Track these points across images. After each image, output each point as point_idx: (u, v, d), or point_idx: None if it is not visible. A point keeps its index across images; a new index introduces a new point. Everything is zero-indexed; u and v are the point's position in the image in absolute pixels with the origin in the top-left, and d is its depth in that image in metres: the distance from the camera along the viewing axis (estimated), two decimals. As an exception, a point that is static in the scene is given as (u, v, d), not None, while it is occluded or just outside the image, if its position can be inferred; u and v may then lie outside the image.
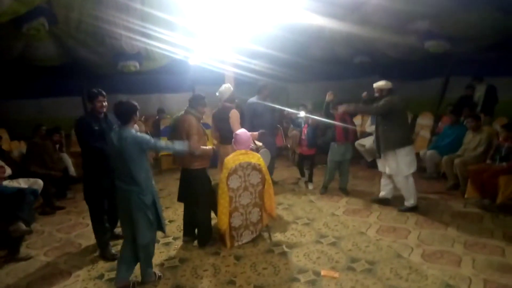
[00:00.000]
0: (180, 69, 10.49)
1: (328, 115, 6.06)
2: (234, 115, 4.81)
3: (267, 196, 4.31)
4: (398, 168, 5.00)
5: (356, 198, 5.78)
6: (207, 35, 8.30)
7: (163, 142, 3.81)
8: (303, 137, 6.42)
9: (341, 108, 5.34)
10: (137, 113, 3.46)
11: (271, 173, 6.54)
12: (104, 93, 4.16)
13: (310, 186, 6.42)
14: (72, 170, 6.73)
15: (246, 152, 4.22)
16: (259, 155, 4.26)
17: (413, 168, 5.03)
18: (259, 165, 4.17)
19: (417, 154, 6.07)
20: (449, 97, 9.52)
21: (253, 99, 6.40)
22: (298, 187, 6.54)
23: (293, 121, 8.10)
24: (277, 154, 7.88)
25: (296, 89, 11.89)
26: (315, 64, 10.43)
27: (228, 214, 4.14)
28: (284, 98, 11.53)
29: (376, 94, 5.13)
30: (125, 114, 3.38)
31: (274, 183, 6.53)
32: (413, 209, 5.03)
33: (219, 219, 4.13)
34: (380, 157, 5.22)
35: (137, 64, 9.21)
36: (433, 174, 6.52)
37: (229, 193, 4.11)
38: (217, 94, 4.93)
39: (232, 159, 4.14)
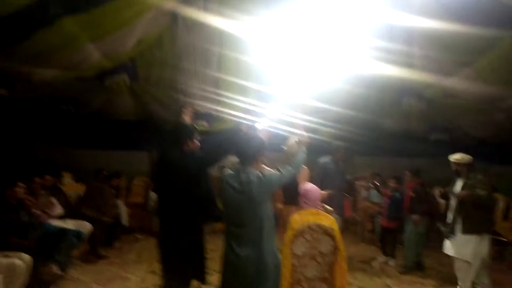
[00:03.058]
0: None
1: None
2: (304, 171, 3.99)
3: (339, 271, 3.28)
4: None
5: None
6: (279, 95, 7.81)
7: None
8: (384, 205, 5.41)
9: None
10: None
11: None
12: None
13: (391, 262, 5.33)
14: (125, 219, 6.09)
15: (318, 212, 3.30)
16: (333, 219, 3.32)
17: None
18: (333, 229, 3.22)
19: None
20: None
21: (326, 159, 5.60)
22: (371, 267, 5.34)
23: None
24: (343, 227, 6.83)
25: (361, 162, 10.84)
26: (386, 137, 9.52)
27: (288, 286, 3.16)
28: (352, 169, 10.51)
29: (454, 169, 4.38)
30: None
31: None
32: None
33: (278, 289, 3.14)
34: None
35: (206, 125, 8.88)
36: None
37: (292, 260, 3.16)
38: (284, 148, 4.18)
39: (301, 218, 3.23)
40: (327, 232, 3.17)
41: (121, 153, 10.38)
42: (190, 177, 3.00)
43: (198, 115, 8.57)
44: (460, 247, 4.21)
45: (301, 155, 3.04)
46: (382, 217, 5.43)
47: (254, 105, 8.24)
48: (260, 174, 2.54)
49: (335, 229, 3.21)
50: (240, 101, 8.56)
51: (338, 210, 4.99)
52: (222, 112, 8.93)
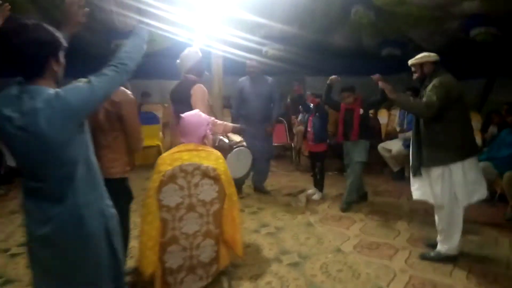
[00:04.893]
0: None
1: (329, 101, 4.20)
2: (199, 92, 2.96)
3: (228, 221, 2.43)
4: (450, 194, 2.82)
5: (375, 224, 3.73)
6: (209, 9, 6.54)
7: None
8: (309, 129, 4.52)
9: (382, 85, 3.18)
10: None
11: (261, 180, 4.65)
12: None
13: (317, 196, 4.47)
14: (10, 159, 4.98)
15: (196, 148, 2.36)
16: (219, 156, 2.39)
17: (478, 194, 2.84)
18: (215, 170, 2.31)
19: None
20: (495, 100, 7.33)
21: (243, 78, 4.61)
22: (296, 201, 4.44)
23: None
24: (277, 155, 6.02)
25: (314, 83, 9.88)
26: (337, 56, 8.55)
27: (160, 249, 2.30)
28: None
29: (415, 75, 3.03)
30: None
31: (266, 193, 4.64)
32: (450, 259, 2.87)
33: (142, 257, 2.21)
34: (417, 174, 3.00)
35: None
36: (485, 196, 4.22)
37: (162, 214, 2.26)
38: (177, 61, 3.13)
39: (170, 158, 2.28)
40: (207, 174, 2.25)
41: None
42: None
43: (121, 34, 7.28)
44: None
45: (132, 43, 1.73)
46: (308, 140, 4.53)
47: (185, 18, 7.03)
48: (52, 94, 1.48)
49: (219, 168, 2.29)
50: (167, 12, 7.26)
51: (255, 140, 4.08)
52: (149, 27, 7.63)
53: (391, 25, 6.75)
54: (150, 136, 6.07)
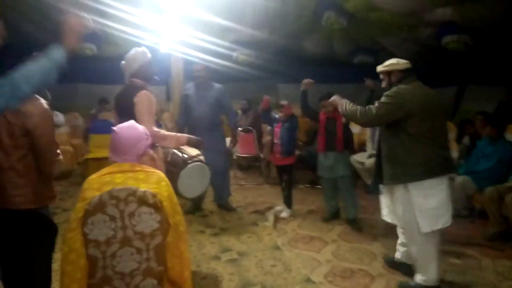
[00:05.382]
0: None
1: (307, 111, 3.85)
2: (144, 99, 2.51)
3: (174, 256, 2.00)
4: (411, 218, 2.50)
5: (348, 246, 3.33)
6: (176, 12, 6.12)
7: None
8: (276, 140, 4.09)
9: (333, 100, 2.89)
10: None
11: (224, 196, 4.20)
12: None
13: (285, 214, 4.06)
14: None
15: (133, 169, 1.91)
16: (161, 177, 1.94)
17: (443, 221, 2.46)
18: (155, 196, 1.87)
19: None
20: (465, 109, 7.20)
21: (188, 85, 4.19)
22: (263, 220, 3.96)
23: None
24: (246, 167, 5.63)
25: (286, 91, 9.55)
26: (309, 63, 8.29)
27: (86, 293, 1.84)
28: (273, 99, 9.25)
29: (383, 84, 2.72)
30: None
31: (230, 210, 4.20)
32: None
33: (64, 305, 1.81)
34: (375, 192, 2.85)
35: (93, 48, 7.06)
36: (463, 212, 3.81)
37: (89, 251, 1.81)
38: (122, 63, 2.67)
39: (98, 181, 1.83)
40: (144, 201, 1.80)
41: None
42: None
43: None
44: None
45: (39, 65, 1.40)
46: (275, 153, 4.15)
47: (149, 21, 6.59)
48: None
49: (160, 193, 1.85)
50: (130, 14, 6.80)
51: (213, 152, 3.65)
52: (111, 32, 7.13)
53: (363, 32, 6.55)
54: (105, 147, 5.53)
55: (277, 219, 3.93)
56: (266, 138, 5.19)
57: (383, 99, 2.50)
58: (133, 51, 2.61)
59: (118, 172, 1.84)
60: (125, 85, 2.64)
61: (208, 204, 4.26)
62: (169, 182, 1.96)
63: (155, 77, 2.73)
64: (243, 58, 7.42)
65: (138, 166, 1.88)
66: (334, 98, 2.92)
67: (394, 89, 2.52)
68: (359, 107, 2.62)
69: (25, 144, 1.83)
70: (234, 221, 3.88)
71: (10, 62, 1.98)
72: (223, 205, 4.17)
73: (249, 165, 5.94)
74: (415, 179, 2.44)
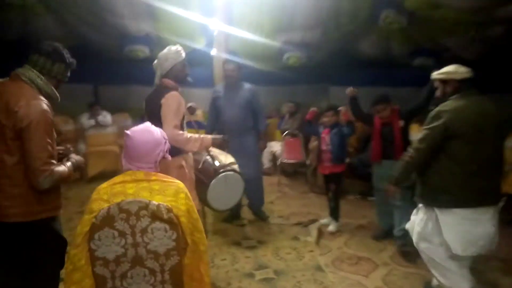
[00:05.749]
0: (201, 60, 8.13)
1: (360, 116, 3.44)
2: (172, 101, 2.28)
3: (193, 279, 1.74)
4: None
5: (402, 271, 2.88)
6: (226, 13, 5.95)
7: None
8: (324, 146, 3.68)
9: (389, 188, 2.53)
10: None
11: (257, 204, 3.86)
12: None
13: (332, 228, 3.66)
14: None
15: (148, 178, 1.67)
16: (180, 189, 1.66)
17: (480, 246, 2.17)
18: (171, 211, 1.61)
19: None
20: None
21: (217, 86, 3.91)
22: (306, 235, 3.57)
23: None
24: (291, 173, 5.30)
25: (338, 94, 9.06)
26: (364, 65, 7.80)
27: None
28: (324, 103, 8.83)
29: (437, 93, 2.40)
30: None
31: (264, 219, 3.86)
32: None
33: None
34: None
35: (146, 50, 7.09)
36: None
37: (96, 270, 1.60)
38: (154, 62, 2.47)
39: (108, 191, 1.61)
40: (158, 216, 1.56)
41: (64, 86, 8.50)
42: None
43: (134, 39, 6.83)
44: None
45: None
46: (323, 161, 3.68)
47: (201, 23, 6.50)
48: None
49: (178, 207, 1.60)
50: (181, 18, 6.75)
51: (246, 157, 3.36)
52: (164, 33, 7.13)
53: (424, 32, 6.04)
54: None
55: (321, 233, 3.56)
56: (313, 144, 4.83)
57: (426, 126, 2.26)
58: (166, 50, 2.41)
59: (131, 181, 1.62)
60: (156, 86, 2.43)
61: (247, 212, 3.97)
62: (189, 194, 1.70)
63: (189, 79, 2.51)
64: (294, 60, 7.08)
65: (153, 174, 1.65)
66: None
67: (441, 107, 2.24)
68: (405, 159, 2.37)
69: (18, 148, 1.63)
70: (274, 234, 3.57)
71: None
72: (257, 214, 3.86)
73: (295, 171, 5.59)
74: (441, 205, 2.23)
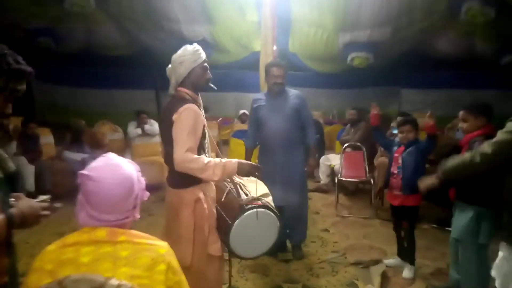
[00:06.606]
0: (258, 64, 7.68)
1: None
2: (185, 115, 1.74)
3: None
4: None
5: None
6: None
7: None
8: (395, 170, 2.81)
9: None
10: None
11: (298, 237, 3.08)
12: None
13: (407, 274, 2.73)
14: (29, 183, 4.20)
15: (113, 238, 1.12)
16: (159, 256, 1.07)
17: None
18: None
19: None
20: None
21: (259, 95, 3.18)
22: (366, 281, 2.66)
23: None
24: (351, 191, 4.57)
25: (412, 98, 8.01)
26: (441, 65, 6.88)
27: None
28: (395, 108, 7.91)
29: None
30: None
31: (299, 258, 3.01)
32: None
33: None
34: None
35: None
36: None
37: None
38: (168, 68, 1.93)
39: (55, 258, 1.10)
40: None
41: (125, 92, 8.68)
42: None
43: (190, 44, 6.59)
44: None
45: None
46: (392, 188, 2.77)
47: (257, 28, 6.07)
48: None
49: (151, 287, 1.03)
50: (237, 21, 6.35)
51: (290, 180, 2.71)
52: (220, 40, 6.78)
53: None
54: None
55: (386, 279, 2.74)
56: (379, 159, 4.04)
57: (501, 133, 1.69)
58: (181, 51, 1.86)
59: (88, 243, 1.07)
60: (171, 97, 1.91)
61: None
62: (175, 262, 1.13)
63: (211, 85, 1.95)
64: (359, 61, 6.33)
65: (122, 233, 1.09)
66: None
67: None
68: (462, 157, 1.86)
69: None
70: (325, 275, 2.77)
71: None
72: (293, 247, 3.08)
73: (357, 188, 4.78)
74: None
